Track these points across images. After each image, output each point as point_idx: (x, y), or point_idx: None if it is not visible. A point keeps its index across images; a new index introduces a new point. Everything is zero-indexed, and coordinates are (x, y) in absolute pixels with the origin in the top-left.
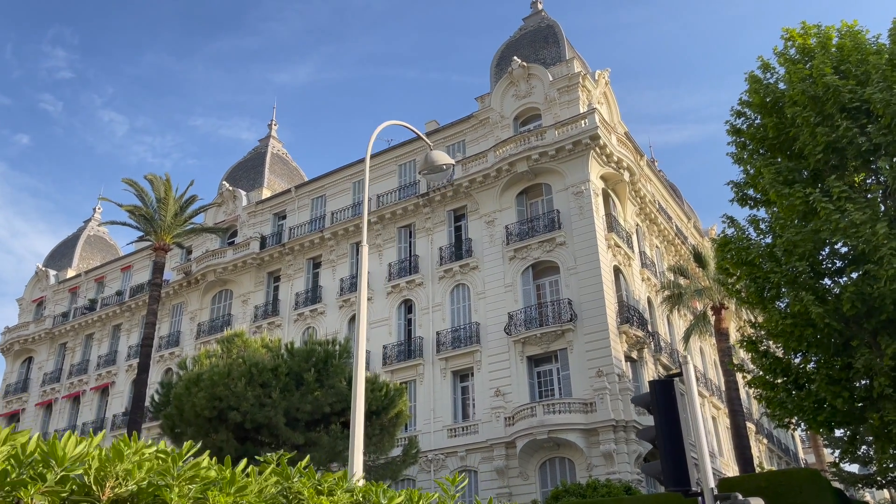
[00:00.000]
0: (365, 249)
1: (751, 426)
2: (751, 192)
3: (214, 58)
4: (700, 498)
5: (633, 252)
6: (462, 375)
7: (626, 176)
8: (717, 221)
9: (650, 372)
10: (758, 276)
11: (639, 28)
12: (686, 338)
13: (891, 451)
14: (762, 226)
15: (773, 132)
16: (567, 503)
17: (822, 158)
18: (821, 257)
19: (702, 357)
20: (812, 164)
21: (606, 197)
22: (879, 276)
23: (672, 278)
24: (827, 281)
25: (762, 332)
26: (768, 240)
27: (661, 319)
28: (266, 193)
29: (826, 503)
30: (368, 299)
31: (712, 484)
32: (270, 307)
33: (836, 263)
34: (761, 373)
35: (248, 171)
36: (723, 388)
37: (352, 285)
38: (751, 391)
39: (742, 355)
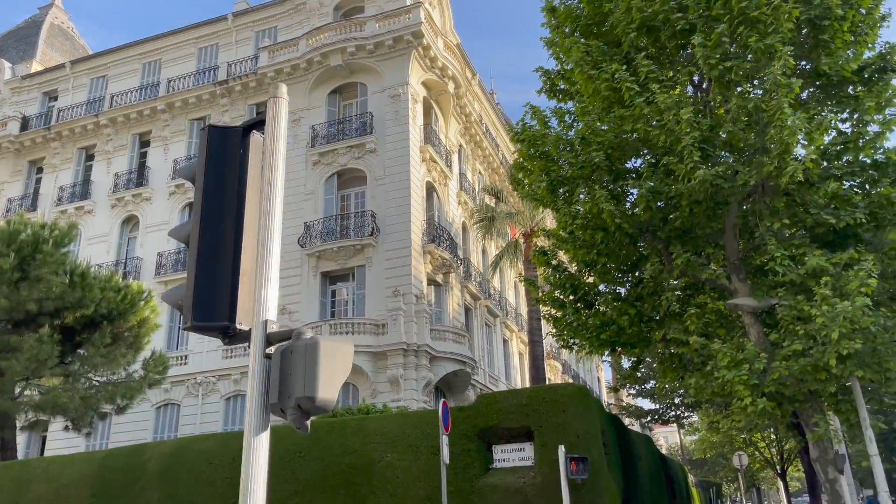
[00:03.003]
0: None
1: (556, 364)
2: (562, 85)
3: None
4: (248, 342)
5: (452, 172)
6: None
7: (451, 87)
8: None
9: (455, 299)
10: (552, 170)
11: None
12: (495, 265)
13: (670, 377)
14: (568, 119)
15: (589, 9)
16: (320, 421)
17: (636, 39)
18: (622, 150)
19: (515, 291)
20: (626, 47)
21: (428, 108)
22: (678, 172)
23: (486, 201)
24: (631, 190)
25: (552, 241)
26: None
27: (475, 247)
28: (37, 68)
29: (592, 423)
30: (147, 199)
31: (270, 315)
32: (29, 201)
33: (637, 162)
34: (551, 288)
35: (19, 42)
36: (522, 314)
37: (129, 181)
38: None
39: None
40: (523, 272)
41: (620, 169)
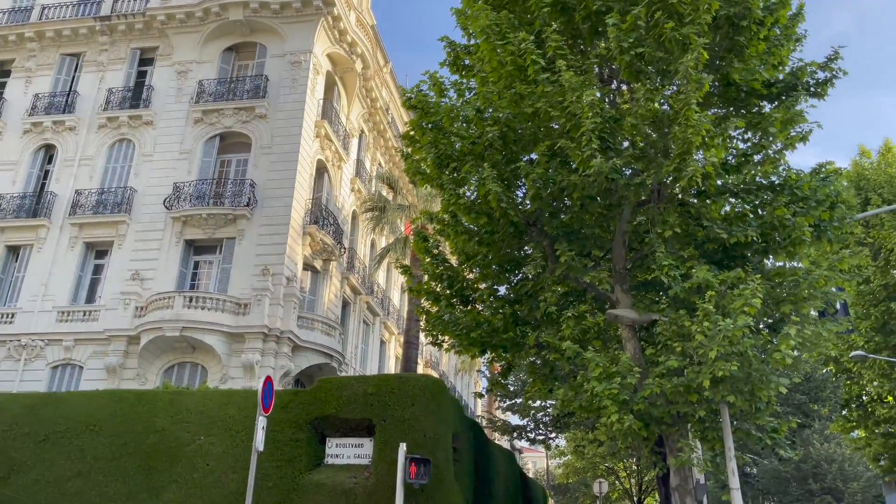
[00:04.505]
0: None
1: (434, 374)
2: (467, 61)
3: None
4: None
5: (348, 156)
6: (100, 251)
7: (359, 66)
8: None
9: (333, 290)
10: (441, 143)
11: None
12: (380, 259)
13: (539, 387)
14: (468, 95)
15: None
16: (127, 392)
17: (549, 16)
18: (520, 131)
19: (401, 293)
20: (538, 25)
21: (332, 84)
22: (573, 159)
23: (381, 191)
24: (522, 177)
25: (434, 226)
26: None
27: (364, 239)
28: None
29: (443, 423)
30: None
31: None
32: None
33: (534, 145)
34: (428, 279)
35: None
36: (404, 318)
37: (49, 105)
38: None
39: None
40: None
41: (514, 151)
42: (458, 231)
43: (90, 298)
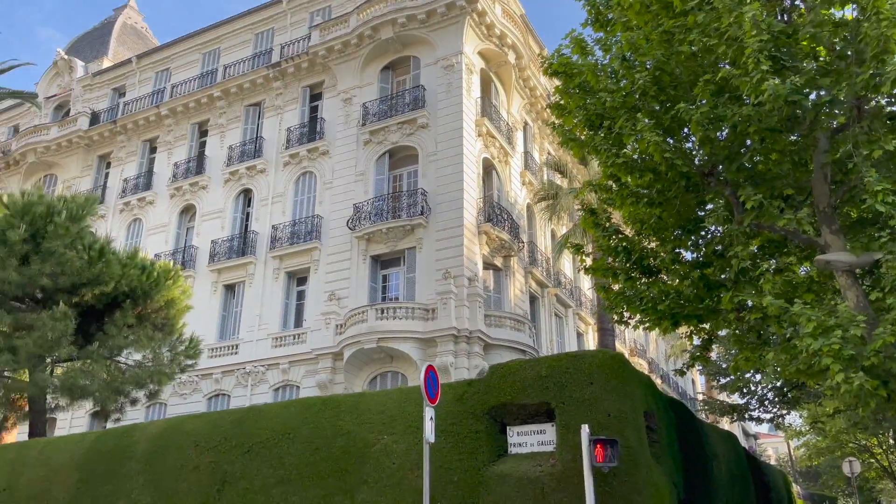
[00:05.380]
0: None
1: (641, 362)
2: (610, 15)
3: None
4: None
5: (514, 150)
6: (300, 278)
7: (512, 57)
8: None
9: (518, 286)
10: (590, 104)
11: None
12: (559, 248)
13: (747, 356)
14: (615, 51)
15: None
16: (313, 399)
17: None
18: (676, 72)
19: (592, 281)
20: None
21: (488, 81)
22: (743, 88)
23: (550, 179)
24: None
25: (599, 196)
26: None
27: (542, 231)
28: (107, 65)
29: (629, 400)
30: (203, 188)
31: None
32: (98, 195)
33: (693, 85)
34: (602, 255)
35: (93, 42)
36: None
37: (187, 171)
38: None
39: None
40: (592, 251)
41: (672, 96)
42: (623, 195)
43: (297, 322)
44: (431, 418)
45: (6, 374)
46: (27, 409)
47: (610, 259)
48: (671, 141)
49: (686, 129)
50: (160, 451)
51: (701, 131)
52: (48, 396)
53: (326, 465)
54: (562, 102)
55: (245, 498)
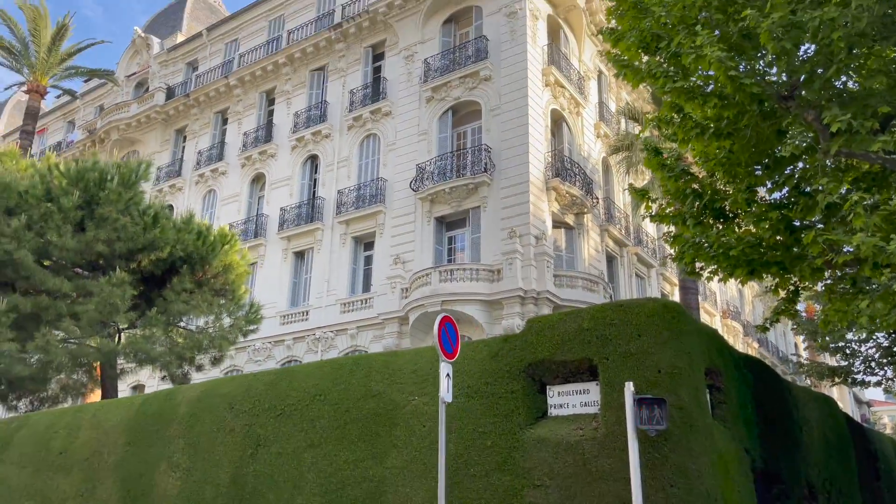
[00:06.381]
0: None
1: (734, 325)
2: None
3: None
4: None
5: (587, 100)
6: (367, 243)
7: (582, 1)
8: None
9: (592, 244)
10: (644, 23)
11: None
12: (638, 201)
13: (839, 306)
14: None
15: None
16: (345, 358)
17: None
18: None
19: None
20: None
21: (556, 28)
22: None
23: (626, 129)
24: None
25: (658, 127)
26: None
27: (621, 185)
28: (181, 40)
29: (684, 354)
30: (272, 156)
31: None
32: (176, 168)
33: None
34: (669, 198)
35: (167, 19)
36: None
37: (255, 139)
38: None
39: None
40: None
41: (739, 4)
42: (686, 128)
43: (365, 287)
44: (448, 375)
45: (72, 340)
46: (99, 375)
47: (678, 204)
48: (739, 59)
49: (760, 48)
50: (198, 415)
51: (774, 42)
52: (119, 361)
53: (356, 428)
54: (613, 26)
55: (278, 461)
